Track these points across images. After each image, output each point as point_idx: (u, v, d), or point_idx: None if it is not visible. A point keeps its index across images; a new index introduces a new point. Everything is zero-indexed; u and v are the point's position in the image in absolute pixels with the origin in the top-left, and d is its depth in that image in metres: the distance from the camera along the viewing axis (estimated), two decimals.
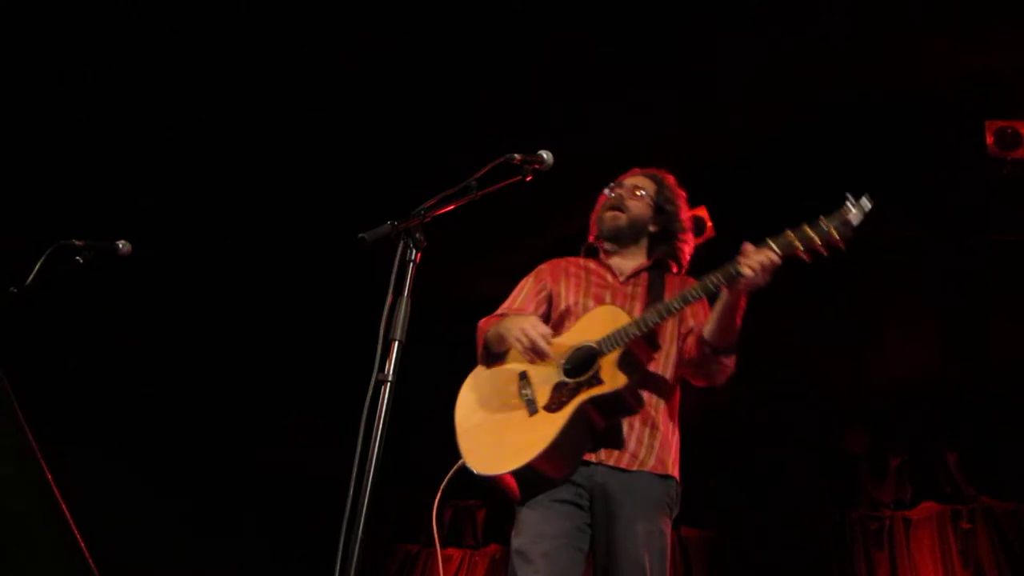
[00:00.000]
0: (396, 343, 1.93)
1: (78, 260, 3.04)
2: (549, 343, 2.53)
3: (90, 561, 2.12)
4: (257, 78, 4.75)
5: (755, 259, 2.37)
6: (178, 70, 4.65)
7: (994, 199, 4.96)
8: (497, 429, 2.52)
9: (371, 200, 4.13)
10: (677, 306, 2.48)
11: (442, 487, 2.59)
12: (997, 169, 4.75)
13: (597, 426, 2.50)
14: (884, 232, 5.35)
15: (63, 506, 2.10)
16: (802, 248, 2.35)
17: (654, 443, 2.59)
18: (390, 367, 1.91)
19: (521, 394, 2.54)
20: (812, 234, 2.33)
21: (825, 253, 2.33)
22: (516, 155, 2.45)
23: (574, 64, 4.53)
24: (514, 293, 2.90)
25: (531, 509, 2.50)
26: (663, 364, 2.69)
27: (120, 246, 3.12)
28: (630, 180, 2.92)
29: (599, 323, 2.57)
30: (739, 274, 2.36)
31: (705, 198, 5.43)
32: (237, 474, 6.22)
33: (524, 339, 2.55)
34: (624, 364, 2.47)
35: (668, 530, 2.58)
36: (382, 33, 4.53)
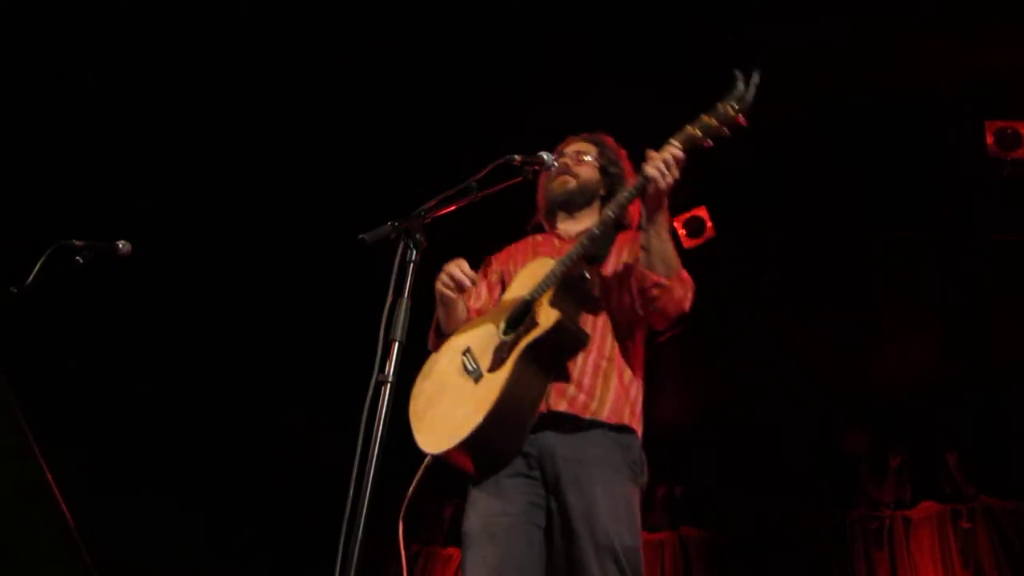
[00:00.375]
0: (396, 344, 1.93)
1: (78, 260, 3.04)
2: (466, 272, 2.49)
3: (90, 562, 2.12)
4: (257, 78, 4.75)
5: (658, 159, 2.35)
6: (178, 70, 4.65)
7: (994, 199, 4.96)
8: (446, 407, 2.42)
9: (371, 200, 4.13)
10: (598, 230, 2.42)
11: (412, 488, 2.49)
12: (997, 169, 4.75)
13: (546, 376, 2.37)
14: (884, 232, 5.36)
15: (63, 506, 2.10)
16: (702, 135, 2.32)
17: (607, 394, 2.44)
18: (390, 368, 1.91)
19: (466, 368, 2.44)
20: (710, 119, 2.30)
21: (728, 134, 2.31)
22: (516, 156, 2.46)
23: (574, 64, 4.53)
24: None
25: (480, 488, 2.39)
26: (613, 311, 2.56)
27: (120, 246, 3.11)
28: (571, 147, 2.87)
29: (532, 276, 2.52)
30: (646, 178, 2.33)
31: (705, 198, 5.44)
32: (237, 474, 6.21)
33: (443, 277, 2.52)
34: (556, 302, 2.37)
35: (635, 497, 2.37)
36: (382, 33, 4.54)
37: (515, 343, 2.34)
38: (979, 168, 4.78)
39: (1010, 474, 5.65)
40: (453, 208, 2.24)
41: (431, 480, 2.53)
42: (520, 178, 2.55)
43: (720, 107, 2.30)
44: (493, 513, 2.34)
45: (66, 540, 2.09)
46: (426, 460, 2.45)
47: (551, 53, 4.48)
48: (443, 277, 2.52)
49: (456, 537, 7.12)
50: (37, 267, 2.94)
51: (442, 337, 2.66)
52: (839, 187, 5.27)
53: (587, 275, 2.44)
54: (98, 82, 4.64)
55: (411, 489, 2.50)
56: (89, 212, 4.66)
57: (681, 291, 2.44)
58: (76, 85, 4.63)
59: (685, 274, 2.48)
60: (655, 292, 2.40)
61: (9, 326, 2.83)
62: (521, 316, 2.41)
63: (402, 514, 2.57)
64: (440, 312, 2.63)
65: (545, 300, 2.37)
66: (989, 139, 4.71)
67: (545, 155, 2.48)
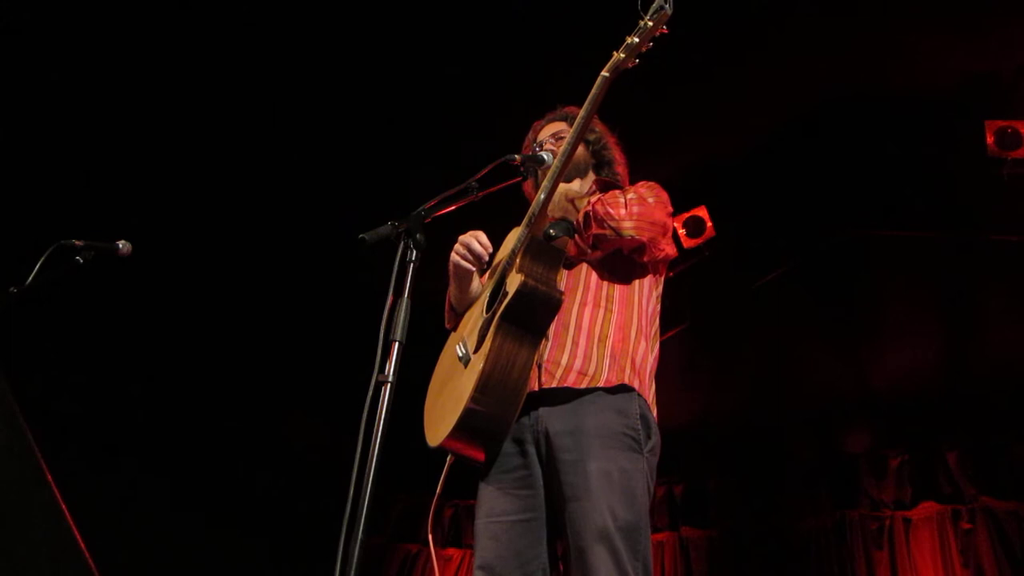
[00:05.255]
0: (396, 344, 1.93)
1: (78, 260, 3.04)
2: (484, 244, 2.45)
3: (90, 562, 2.12)
4: (257, 78, 4.75)
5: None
6: (178, 70, 4.65)
7: (994, 199, 4.96)
8: (444, 399, 2.40)
9: (371, 200, 4.13)
10: (548, 184, 2.33)
11: (439, 489, 2.49)
12: (997, 169, 4.75)
13: (529, 342, 2.27)
14: (884, 232, 5.37)
15: (63, 506, 2.10)
16: (626, 56, 2.19)
17: (604, 354, 2.35)
18: (390, 368, 1.90)
19: (459, 354, 2.41)
20: (633, 39, 2.17)
21: (651, 45, 2.17)
22: (516, 156, 2.46)
23: (575, 64, 4.52)
24: None
25: (486, 483, 2.36)
26: (599, 271, 2.49)
27: (120, 246, 3.12)
28: (545, 131, 2.79)
29: (507, 248, 2.48)
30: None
31: (705, 198, 5.44)
32: (237, 474, 6.21)
33: (460, 248, 2.48)
34: (524, 266, 2.28)
35: (637, 467, 2.24)
36: (382, 33, 4.54)
37: (492, 318, 2.30)
38: (979, 168, 4.78)
39: (1010, 474, 5.64)
40: (453, 208, 2.24)
41: (430, 483, 2.53)
42: (520, 178, 2.56)
43: (641, 23, 2.16)
44: (495, 513, 2.32)
45: (66, 540, 2.09)
46: (448, 459, 2.44)
47: (552, 53, 4.48)
48: (459, 249, 2.48)
49: (456, 538, 7.12)
50: (37, 267, 2.94)
51: (456, 314, 2.65)
52: (839, 187, 5.27)
53: (553, 232, 2.36)
54: (98, 82, 4.64)
55: (438, 490, 2.48)
56: (89, 212, 4.66)
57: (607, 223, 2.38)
58: (76, 85, 4.63)
59: (599, 208, 2.41)
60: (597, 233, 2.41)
61: (9, 326, 2.83)
62: (498, 290, 2.38)
63: (431, 516, 2.57)
64: (453, 287, 2.60)
65: (514, 268, 2.32)
66: (989, 139, 4.71)
67: (545, 155, 2.49)
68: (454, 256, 2.51)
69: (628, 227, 2.37)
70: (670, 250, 2.57)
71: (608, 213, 2.38)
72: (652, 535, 2.32)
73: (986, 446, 5.79)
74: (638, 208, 2.39)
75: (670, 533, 6.62)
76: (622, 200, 2.41)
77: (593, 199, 2.45)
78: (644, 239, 2.41)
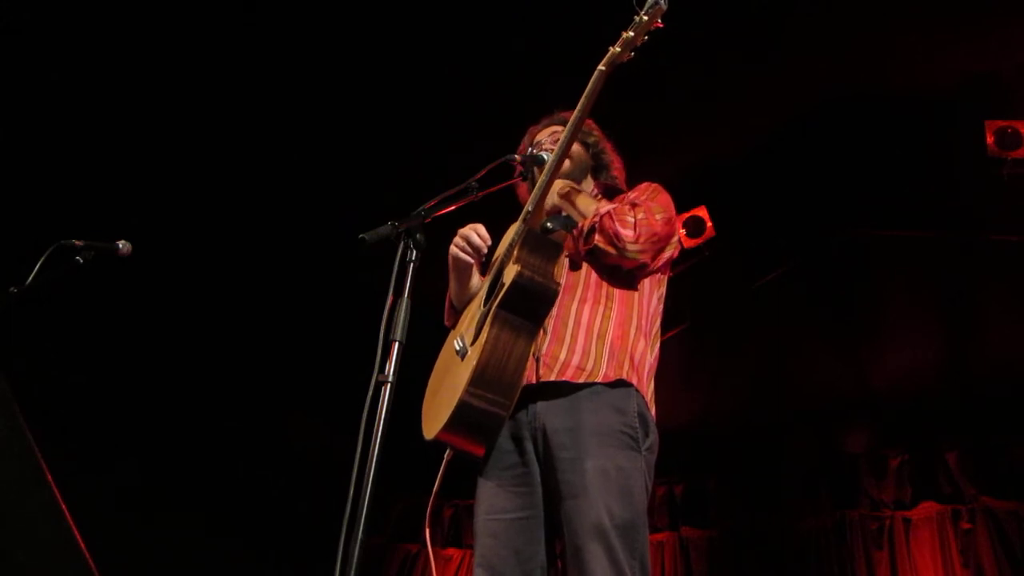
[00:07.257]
0: (396, 344, 1.93)
1: (78, 260, 3.04)
2: (483, 237, 2.48)
3: (90, 562, 2.12)
4: (257, 78, 4.75)
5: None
6: (178, 70, 4.65)
7: (994, 199, 4.96)
8: (442, 393, 2.40)
9: (371, 200, 4.13)
10: (544, 178, 2.35)
11: (436, 487, 2.48)
12: (997, 169, 4.76)
13: (526, 334, 2.27)
14: (884, 232, 5.37)
15: (63, 507, 2.10)
16: (622, 50, 2.19)
17: (603, 350, 2.36)
18: (390, 368, 1.90)
19: (457, 348, 2.42)
20: (628, 33, 2.17)
21: (646, 38, 2.17)
22: (516, 156, 2.46)
23: (575, 64, 4.52)
24: None
25: (486, 479, 2.36)
26: (597, 272, 2.50)
27: (120, 246, 3.13)
28: (543, 133, 2.81)
29: (505, 242, 2.49)
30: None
31: (705, 198, 5.44)
32: (237, 474, 6.22)
33: (459, 241, 2.50)
34: (521, 258, 2.28)
35: (634, 465, 2.24)
36: (382, 33, 4.54)
37: (489, 310, 2.30)
38: (979, 168, 4.78)
39: (1010, 474, 5.65)
40: (453, 208, 2.24)
41: (430, 483, 2.52)
42: (520, 178, 2.56)
43: (636, 18, 2.16)
44: (495, 511, 2.32)
45: (66, 540, 2.09)
46: (446, 455, 2.44)
47: (551, 53, 4.48)
48: (458, 241, 2.50)
49: (456, 538, 7.13)
50: (37, 267, 2.95)
51: (456, 311, 2.65)
52: (839, 187, 5.27)
53: (550, 225, 2.35)
54: (98, 82, 4.64)
55: (435, 489, 2.48)
56: (89, 212, 4.66)
57: (607, 235, 2.39)
58: (76, 85, 4.63)
59: (608, 222, 2.41)
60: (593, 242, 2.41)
61: (9, 326, 2.83)
62: (495, 282, 2.38)
63: (428, 513, 2.57)
64: (453, 282, 2.61)
65: (511, 259, 2.33)
66: (989, 139, 4.71)
67: (544, 155, 2.49)
68: (453, 249, 2.52)
69: (633, 250, 2.40)
70: (671, 253, 2.59)
71: (617, 233, 2.39)
72: (652, 535, 2.31)
73: (986, 446, 5.80)
74: (646, 230, 2.40)
75: (670, 533, 6.62)
76: (631, 220, 2.40)
77: (603, 210, 2.44)
78: (647, 261, 2.46)
